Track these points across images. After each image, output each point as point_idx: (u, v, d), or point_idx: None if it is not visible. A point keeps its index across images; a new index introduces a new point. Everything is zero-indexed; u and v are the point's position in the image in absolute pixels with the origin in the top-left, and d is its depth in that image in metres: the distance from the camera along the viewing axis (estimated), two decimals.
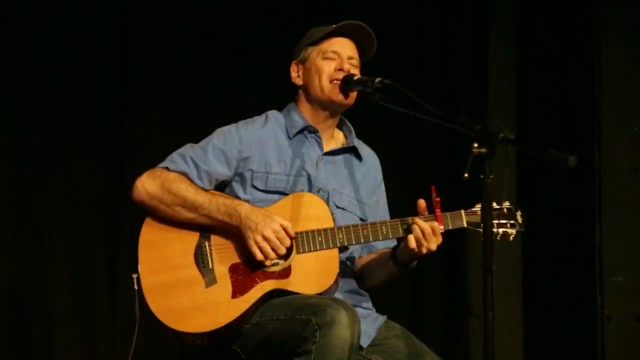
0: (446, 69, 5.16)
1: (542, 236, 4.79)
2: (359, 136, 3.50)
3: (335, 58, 3.35)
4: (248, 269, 3.16)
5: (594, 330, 4.69)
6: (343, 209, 3.36)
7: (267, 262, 3.15)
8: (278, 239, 3.12)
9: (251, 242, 3.12)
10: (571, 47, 4.93)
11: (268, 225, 3.12)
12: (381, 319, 3.33)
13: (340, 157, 3.43)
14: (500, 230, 3.28)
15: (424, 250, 3.17)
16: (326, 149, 3.40)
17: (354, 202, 3.40)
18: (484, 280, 2.58)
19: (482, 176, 2.60)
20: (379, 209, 3.48)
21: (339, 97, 3.32)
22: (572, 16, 4.92)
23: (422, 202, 3.21)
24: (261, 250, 3.12)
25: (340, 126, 3.48)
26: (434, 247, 3.18)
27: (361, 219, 3.39)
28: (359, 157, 3.46)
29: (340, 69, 3.32)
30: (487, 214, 2.62)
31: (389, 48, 3.51)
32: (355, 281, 3.39)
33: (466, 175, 2.56)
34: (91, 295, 4.43)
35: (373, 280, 3.41)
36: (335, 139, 3.46)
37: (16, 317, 4.32)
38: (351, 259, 3.40)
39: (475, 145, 2.61)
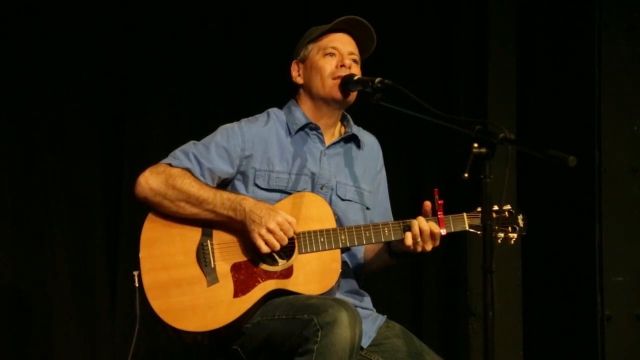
0: (446, 69, 5.16)
1: (542, 236, 4.79)
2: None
3: (336, 54, 3.34)
4: (250, 268, 3.16)
5: (594, 330, 4.69)
6: (349, 200, 3.37)
7: (271, 251, 3.13)
8: (282, 230, 3.12)
9: (255, 235, 3.12)
10: (571, 47, 4.92)
11: (272, 218, 3.12)
12: (381, 318, 3.34)
13: (341, 148, 3.42)
14: (502, 234, 3.28)
15: (419, 249, 3.20)
16: (328, 144, 3.39)
17: (358, 191, 3.40)
18: (484, 280, 2.58)
19: (482, 176, 2.60)
20: (379, 194, 3.49)
21: (339, 94, 3.32)
22: (572, 16, 4.92)
23: (427, 204, 3.21)
24: (266, 243, 3.12)
25: (340, 119, 3.48)
26: (429, 248, 3.20)
27: (366, 207, 3.40)
28: (359, 144, 3.45)
29: (342, 65, 3.32)
30: (487, 214, 2.62)
31: (389, 48, 3.51)
32: (356, 275, 3.39)
33: (466, 175, 2.56)
34: (91, 294, 4.43)
35: (371, 267, 3.43)
36: (336, 133, 3.46)
37: (17, 317, 4.32)
38: (351, 257, 3.40)
39: (475, 145, 2.62)
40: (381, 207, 3.49)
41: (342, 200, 3.35)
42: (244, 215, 3.15)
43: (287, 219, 3.14)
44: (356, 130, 3.46)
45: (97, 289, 4.45)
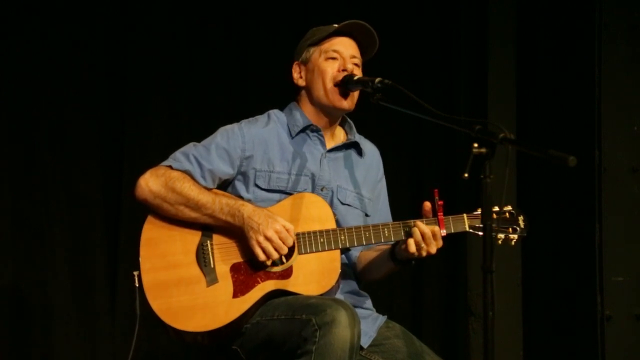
0: (446, 69, 5.16)
1: (542, 236, 4.79)
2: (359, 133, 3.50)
3: (338, 58, 3.34)
4: (250, 268, 3.16)
5: (594, 330, 4.69)
6: (348, 205, 3.36)
7: (269, 262, 3.14)
8: (280, 239, 3.12)
9: (253, 243, 3.12)
10: (571, 47, 4.93)
11: (270, 226, 3.12)
12: (381, 319, 3.34)
13: (342, 154, 3.43)
14: (502, 234, 3.27)
15: (424, 254, 3.18)
16: (328, 147, 3.40)
17: (358, 197, 3.40)
18: (484, 280, 2.58)
19: (482, 176, 2.60)
20: (379, 202, 3.49)
21: (341, 102, 3.32)
22: (572, 16, 4.92)
23: (427, 204, 3.20)
24: (263, 251, 3.12)
25: (341, 123, 3.48)
26: (433, 250, 3.18)
27: (366, 214, 3.40)
28: (360, 152, 3.46)
29: (344, 69, 3.32)
30: (488, 214, 2.62)
31: (389, 48, 3.51)
32: (356, 276, 3.39)
33: (466, 175, 2.56)
34: (91, 294, 4.43)
35: (373, 276, 3.41)
36: (337, 136, 3.46)
37: (17, 316, 4.33)
38: (351, 258, 3.39)
39: (475, 145, 2.62)
40: (381, 215, 3.47)
41: (342, 204, 3.35)
42: (242, 222, 3.15)
43: (285, 226, 3.14)
44: (358, 137, 3.46)
45: (97, 289, 4.45)
